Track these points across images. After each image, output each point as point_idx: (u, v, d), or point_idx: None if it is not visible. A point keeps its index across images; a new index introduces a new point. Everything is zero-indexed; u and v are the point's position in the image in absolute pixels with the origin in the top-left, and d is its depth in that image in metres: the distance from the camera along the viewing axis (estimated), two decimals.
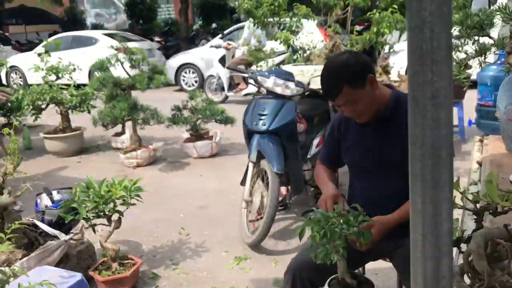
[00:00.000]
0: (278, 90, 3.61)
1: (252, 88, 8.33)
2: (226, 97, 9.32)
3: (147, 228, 3.97)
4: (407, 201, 1.96)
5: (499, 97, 2.22)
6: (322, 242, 1.76)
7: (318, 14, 4.45)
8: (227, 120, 5.90)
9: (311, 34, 5.24)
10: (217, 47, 11.53)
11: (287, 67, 4.30)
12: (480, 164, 2.73)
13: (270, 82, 3.61)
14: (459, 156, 5.12)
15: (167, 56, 13.27)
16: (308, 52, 4.43)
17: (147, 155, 5.68)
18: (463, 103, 5.80)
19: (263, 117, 3.53)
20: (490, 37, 2.73)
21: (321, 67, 4.41)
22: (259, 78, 3.63)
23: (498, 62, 3.03)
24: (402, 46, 6.11)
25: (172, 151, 6.29)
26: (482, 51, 2.65)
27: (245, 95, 8.48)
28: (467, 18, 2.76)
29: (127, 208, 3.05)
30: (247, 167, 3.65)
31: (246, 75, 3.70)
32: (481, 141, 3.22)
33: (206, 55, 11.40)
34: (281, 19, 4.44)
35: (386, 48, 4.77)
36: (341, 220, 1.79)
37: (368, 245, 1.83)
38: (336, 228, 1.76)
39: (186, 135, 6.12)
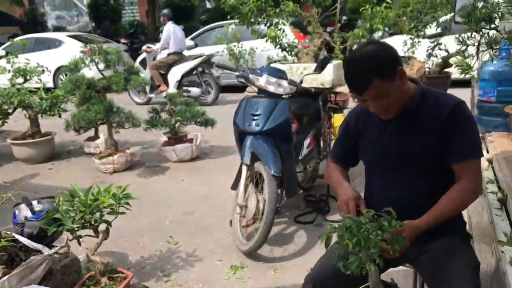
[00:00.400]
0: (271, 88, 3.45)
1: (171, 89, 8.41)
2: (149, 99, 9.32)
3: (131, 238, 3.72)
4: (436, 204, 1.83)
5: None
6: (354, 250, 1.60)
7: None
8: (207, 122, 5.69)
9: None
10: (189, 48, 11.33)
11: (275, 65, 4.14)
12: (490, 161, 2.64)
13: (262, 81, 3.44)
14: None
15: (134, 58, 12.93)
16: (296, 50, 4.28)
17: (124, 160, 5.40)
18: None
19: (256, 118, 3.35)
20: (497, 30, 2.66)
21: (310, 65, 4.30)
22: (250, 76, 3.46)
23: (500, 57, 2.95)
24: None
25: (149, 155, 6.03)
26: (492, 43, 2.57)
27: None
28: (475, 11, 2.68)
29: (116, 218, 2.81)
30: (239, 170, 3.47)
31: (236, 73, 3.52)
32: (482, 138, 3.14)
33: None
34: (268, 16, 4.27)
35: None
36: (375, 226, 1.64)
37: (400, 251, 1.69)
38: (370, 235, 1.61)
39: (164, 138, 5.88)
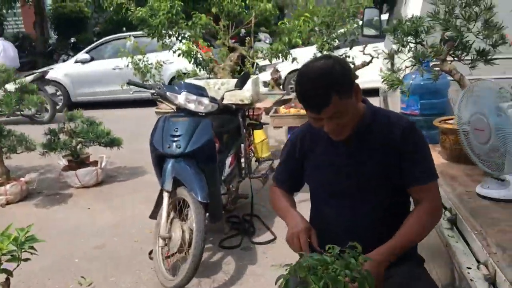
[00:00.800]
0: (191, 106, 3.19)
1: None
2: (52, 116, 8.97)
3: (35, 281, 3.23)
4: (400, 230, 1.70)
5: (459, 105, 2.08)
6: None
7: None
8: (113, 142, 5.25)
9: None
10: (83, 62, 10.62)
11: (190, 81, 3.88)
12: None
13: (181, 98, 3.17)
14: None
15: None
16: (211, 65, 4.05)
17: (18, 190, 4.78)
18: None
19: (176, 139, 3.07)
20: (422, 45, 2.66)
21: (228, 80, 4.10)
22: (168, 94, 3.17)
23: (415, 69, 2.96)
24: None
25: (47, 182, 5.41)
26: (419, 57, 2.56)
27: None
28: (400, 25, 2.66)
29: (18, 265, 2.36)
30: (159, 197, 3.15)
31: (151, 91, 3.21)
32: None
33: (71, 71, 10.49)
34: (180, 29, 3.99)
35: (278, 59, 4.60)
36: (342, 265, 1.46)
37: None
38: (339, 275, 1.43)
39: (64, 162, 5.31)
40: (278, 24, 3.83)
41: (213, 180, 3.19)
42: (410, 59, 2.60)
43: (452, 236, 1.87)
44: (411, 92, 2.97)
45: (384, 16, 5.06)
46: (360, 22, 5.05)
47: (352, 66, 5.73)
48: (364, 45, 5.73)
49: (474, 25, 2.43)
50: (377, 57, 5.77)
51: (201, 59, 4.05)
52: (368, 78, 5.66)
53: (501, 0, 2.51)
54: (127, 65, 5.50)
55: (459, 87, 3.26)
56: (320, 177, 1.86)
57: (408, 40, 2.56)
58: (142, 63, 5.48)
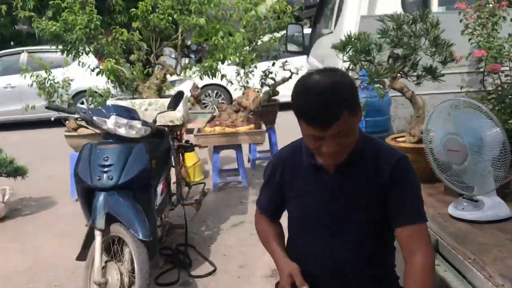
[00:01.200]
0: (122, 131, 2.84)
1: None
2: None
3: None
4: (411, 274, 1.51)
5: (432, 123, 2.01)
6: None
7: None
8: (17, 172, 4.65)
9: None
10: None
11: (112, 102, 3.49)
12: None
13: (111, 123, 2.81)
14: None
15: None
16: (135, 83, 3.68)
17: None
18: (275, 127, 5.86)
19: (107, 169, 2.70)
20: (371, 62, 2.59)
21: (156, 100, 3.77)
22: (95, 118, 2.79)
23: (361, 86, 2.91)
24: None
25: None
26: (373, 75, 2.48)
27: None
28: (351, 42, 2.57)
29: None
30: (88, 236, 2.75)
31: (75, 116, 2.81)
32: None
33: None
34: (100, 46, 3.59)
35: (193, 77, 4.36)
36: None
37: None
38: None
39: None
40: (212, 39, 3.60)
41: (150, 212, 2.86)
42: (362, 77, 2.53)
43: (438, 264, 1.76)
44: None
45: (308, 30, 5.05)
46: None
47: (272, 82, 5.71)
48: (284, 61, 5.73)
49: (424, 42, 2.42)
50: (297, 73, 5.81)
51: (125, 78, 3.69)
52: (288, 92, 5.91)
53: (445, 17, 2.53)
54: (31, 84, 4.94)
55: (397, 105, 3.30)
56: (300, 210, 1.68)
57: (360, 58, 2.48)
58: (47, 82, 4.96)
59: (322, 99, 1.38)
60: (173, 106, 3.19)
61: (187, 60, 10.40)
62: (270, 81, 5.52)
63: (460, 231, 1.84)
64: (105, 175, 2.69)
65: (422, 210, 1.58)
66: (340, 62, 2.71)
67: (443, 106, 1.93)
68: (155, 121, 3.13)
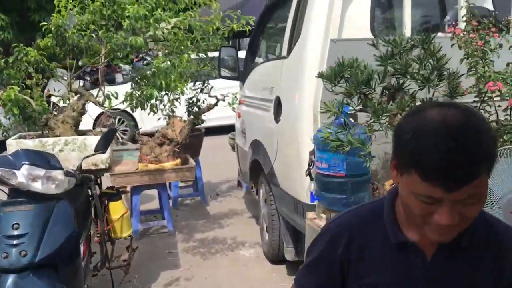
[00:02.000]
0: (37, 186, 2.07)
1: None
2: None
3: None
4: None
5: (495, 181, 1.57)
6: None
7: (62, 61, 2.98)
8: None
9: None
10: None
11: (13, 143, 2.64)
12: None
13: (22, 175, 2.03)
14: None
15: None
16: (44, 117, 2.84)
17: None
18: (199, 159, 5.29)
19: (18, 242, 1.93)
20: (366, 95, 2.16)
21: (75, 138, 2.98)
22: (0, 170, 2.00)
23: (337, 121, 2.45)
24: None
25: None
26: (378, 111, 2.03)
27: None
28: (351, 71, 2.11)
29: None
30: None
31: None
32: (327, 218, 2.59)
33: None
34: None
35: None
36: None
37: None
38: None
39: None
40: (145, 64, 2.93)
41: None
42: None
43: None
44: (328, 150, 2.45)
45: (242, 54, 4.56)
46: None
47: (198, 110, 5.15)
48: (210, 87, 5.26)
49: (434, 73, 2.03)
50: (223, 100, 5.31)
51: (31, 110, 2.85)
52: (216, 115, 5.99)
53: (446, 45, 2.19)
54: None
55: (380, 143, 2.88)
56: None
57: (362, 90, 2.02)
58: None
59: (465, 150, 0.87)
60: (102, 147, 2.48)
61: (81, 83, 9.38)
62: (196, 109, 4.97)
63: None
64: (14, 250, 1.92)
65: None
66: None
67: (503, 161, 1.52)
68: (80, 167, 2.38)
